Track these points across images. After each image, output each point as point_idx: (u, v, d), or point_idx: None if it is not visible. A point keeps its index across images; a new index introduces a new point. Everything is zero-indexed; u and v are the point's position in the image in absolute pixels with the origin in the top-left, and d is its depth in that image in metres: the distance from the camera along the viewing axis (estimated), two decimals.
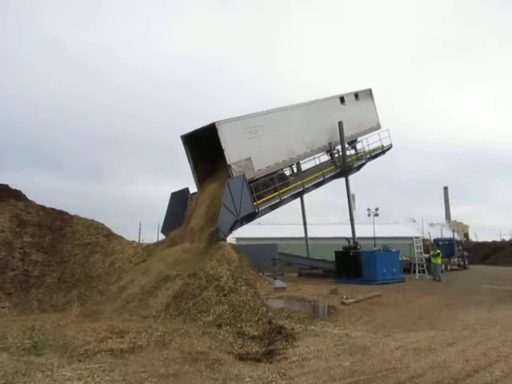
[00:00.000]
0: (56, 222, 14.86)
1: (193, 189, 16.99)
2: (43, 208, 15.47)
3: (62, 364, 5.74)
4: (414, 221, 53.74)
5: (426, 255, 22.06)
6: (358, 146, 24.05)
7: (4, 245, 13.06)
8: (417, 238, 26.11)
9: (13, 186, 16.33)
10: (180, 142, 16.62)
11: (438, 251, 20.94)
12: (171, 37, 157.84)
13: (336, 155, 22.07)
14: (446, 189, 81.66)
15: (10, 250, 13.01)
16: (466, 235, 68.16)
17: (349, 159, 22.38)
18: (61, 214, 15.45)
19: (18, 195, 15.98)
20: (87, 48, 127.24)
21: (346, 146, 22.36)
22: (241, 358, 6.50)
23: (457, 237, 40.28)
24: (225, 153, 15.39)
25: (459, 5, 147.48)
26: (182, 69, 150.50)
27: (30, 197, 16.26)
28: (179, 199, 16.43)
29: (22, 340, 7.03)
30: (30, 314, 10.74)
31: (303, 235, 25.28)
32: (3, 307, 11.08)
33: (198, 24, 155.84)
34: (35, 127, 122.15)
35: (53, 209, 15.70)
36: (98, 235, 14.92)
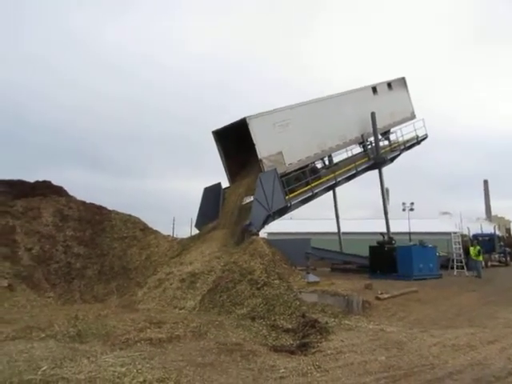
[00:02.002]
0: (95, 217, 15.51)
1: (225, 183, 17.22)
2: (83, 203, 16.17)
3: (105, 351, 6.02)
4: (448, 213, 51.79)
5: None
6: (392, 136, 23.47)
7: (48, 238, 13.80)
8: (455, 233, 25.17)
9: (55, 182, 17.16)
10: (211, 137, 16.84)
11: (478, 248, 20.11)
12: (207, 38, 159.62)
13: (369, 147, 21.58)
14: (486, 182, 78.31)
15: (53, 243, 13.73)
16: (508, 230, 65.02)
17: (382, 151, 21.81)
18: (100, 209, 16.11)
19: (60, 191, 16.77)
20: (126, 52, 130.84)
21: (379, 137, 21.82)
22: (275, 349, 6.58)
23: (498, 232, 38.45)
24: (256, 147, 15.43)
25: None
26: (217, 68, 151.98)
27: (71, 192, 17.03)
28: (212, 194, 16.67)
29: (67, 328, 7.43)
30: (72, 304, 11.33)
31: (335, 230, 24.97)
32: (48, 297, 11.74)
33: (233, 27, 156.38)
34: (74, 127, 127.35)
35: (92, 204, 16.37)
36: (135, 229, 15.46)
